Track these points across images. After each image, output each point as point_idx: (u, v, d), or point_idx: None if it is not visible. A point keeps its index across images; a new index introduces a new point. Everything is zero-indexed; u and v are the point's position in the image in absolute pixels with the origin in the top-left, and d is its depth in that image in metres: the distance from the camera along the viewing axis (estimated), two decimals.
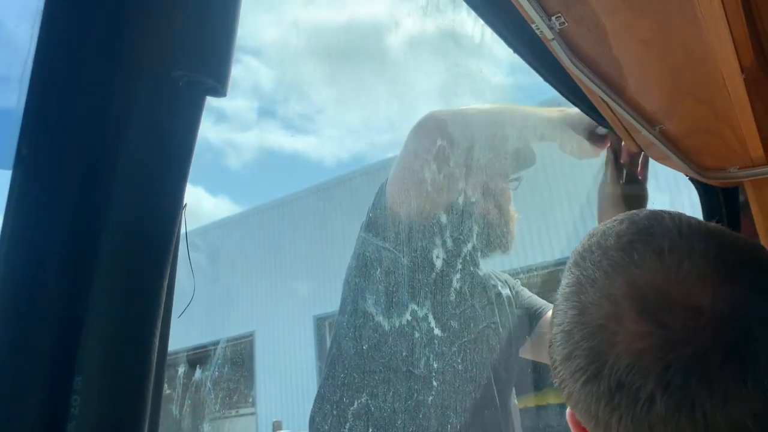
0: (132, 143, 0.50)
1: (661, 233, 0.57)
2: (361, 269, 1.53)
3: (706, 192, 1.59)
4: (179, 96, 0.50)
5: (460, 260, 1.55)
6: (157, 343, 0.48)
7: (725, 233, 0.58)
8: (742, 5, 1.10)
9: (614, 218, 0.63)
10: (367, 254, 1.51)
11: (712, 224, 0.59)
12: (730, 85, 1.00)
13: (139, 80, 0.49)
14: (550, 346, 0.61)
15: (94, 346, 0.45)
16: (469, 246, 1.56)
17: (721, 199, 1.58)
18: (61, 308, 0.45)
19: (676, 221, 0.58)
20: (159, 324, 0.49)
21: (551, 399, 6.36)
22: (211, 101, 0.56)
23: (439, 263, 1.50)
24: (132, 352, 0.46)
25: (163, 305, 0.50)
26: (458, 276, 1.54)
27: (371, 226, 1.53)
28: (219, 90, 0.51)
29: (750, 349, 0.50)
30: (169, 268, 0.52)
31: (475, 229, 1.56)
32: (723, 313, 0.51)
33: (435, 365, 1.45)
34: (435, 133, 1.46)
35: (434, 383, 1.44)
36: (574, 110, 1.56)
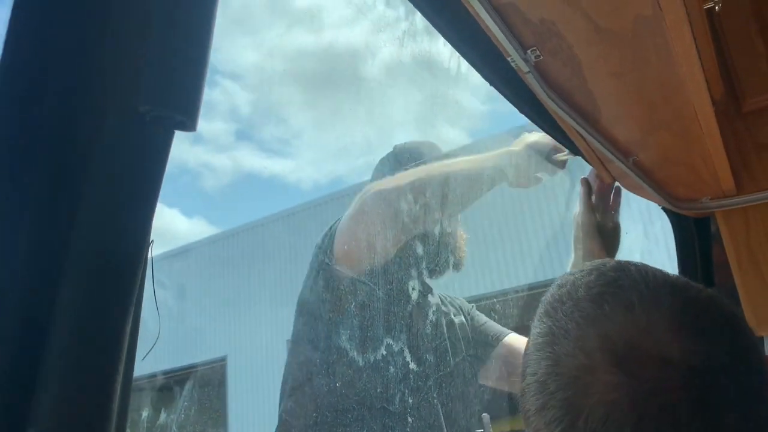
0: (98, 178, 0.48)
1: (629, 286, 0.60)
2: (304, 301, 1.52)
3: (679, 222, 1.61)
4: (146, 131, 0.48)
5: (408, 290, 1.53)
6: (118, 389, 0.46)
7: (688, 286, 0.61)
8: (713, 41, 1.12)
9: (581, 268, 0.65)
10: (316, 285, 1.50)
11: (674, 276, 0.62)
12: (701, 117, 1.01)
13: (105, 115, 0.48)
14: (522, 396, 0.63)
15: (47, 399, 0.42)
16: (416, 275, 1.55)
17: (694, 229, 1.59)
18: (15, 354, 0.43)
19: (642, 273, 0.61)
20: (121, 367, 0.47)
21: None
22: None
23: (384, 295, 1.48)
24: (89, 402, 0.44)
25: (126, 344, 0.48)
26: (409, 308, 1.52)
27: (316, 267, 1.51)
28: (188, 124, 0.49)
29: (716, 399, 0.53)
30: (134, 306, 0.50)
31: (424, 256, 1.55)
32: (691, 365, 0.54)
33: (385, 396, 1.42)
34: (378, 209, 1.45)
35: (386, 420, 1.41)
36: (534, 137, 1.57)
